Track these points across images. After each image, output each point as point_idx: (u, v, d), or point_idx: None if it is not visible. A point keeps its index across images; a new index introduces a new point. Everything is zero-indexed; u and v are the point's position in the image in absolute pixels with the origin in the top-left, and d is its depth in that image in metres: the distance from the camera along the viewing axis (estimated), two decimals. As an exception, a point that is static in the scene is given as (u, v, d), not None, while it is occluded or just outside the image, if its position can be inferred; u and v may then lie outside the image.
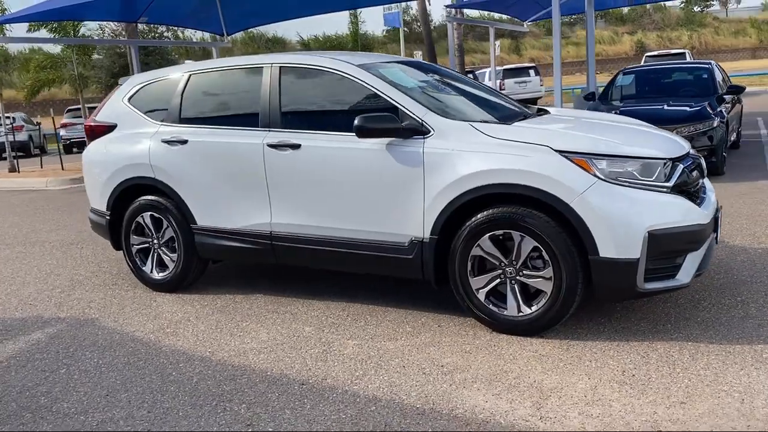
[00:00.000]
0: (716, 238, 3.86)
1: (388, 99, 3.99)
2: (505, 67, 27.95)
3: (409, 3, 29.67)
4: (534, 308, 3.63)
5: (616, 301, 3.93)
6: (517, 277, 3.65)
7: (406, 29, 42.72)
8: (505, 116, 4.26)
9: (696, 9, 63.99)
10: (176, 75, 4.96)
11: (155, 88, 5.04)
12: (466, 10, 15.53)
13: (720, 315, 3.81)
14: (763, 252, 4.93)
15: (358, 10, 38.23)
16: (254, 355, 3.71)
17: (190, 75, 4.86)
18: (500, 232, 3.63)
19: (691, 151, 4.03)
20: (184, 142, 4.66)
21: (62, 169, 14.91)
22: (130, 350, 3.91)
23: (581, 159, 3.48)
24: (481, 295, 3.75)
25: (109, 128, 5.14)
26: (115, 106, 5.19)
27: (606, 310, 3.97)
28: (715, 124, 8.18)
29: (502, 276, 3.69)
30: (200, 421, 3.00)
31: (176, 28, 29.05)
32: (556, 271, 3.50)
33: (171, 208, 4.77)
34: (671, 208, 3.48)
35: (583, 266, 3.48)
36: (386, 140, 3.91)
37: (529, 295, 3.68)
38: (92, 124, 5.27)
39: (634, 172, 3.50)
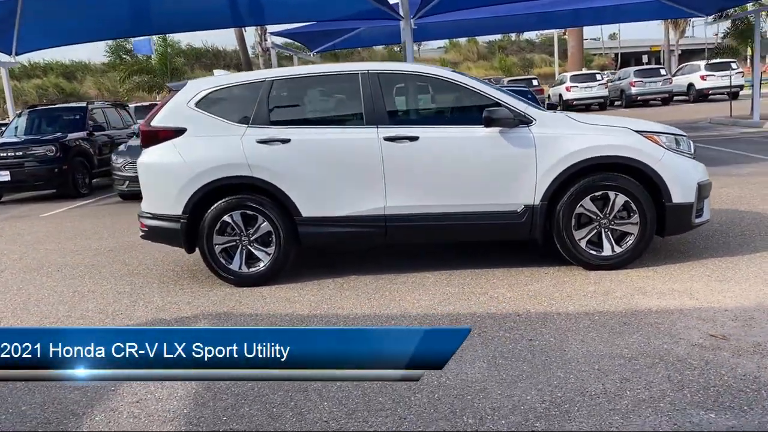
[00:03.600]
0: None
1: (490, 97, 5.01)
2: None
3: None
4: (624, 247, 4.95)
5: (678, 233, 5.31)
6: (611, 226, 4.94)
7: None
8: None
9: (396, 49, 72.96)
10: (253, 81, 5.27)
11: (229, 94, 5.27)
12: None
13: (712, 244, 5.56)
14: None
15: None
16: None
17: (273, 81, 5.22)
18: (599, 193, 4.89)
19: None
20: (286, 141, 5.03)
21: None
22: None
23: (651, 135, 4.95)
24: (582, 243, 4.96)
25: (176, 132, 5.18)
26: (179, 110, 5.23)
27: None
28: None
29: (598, 227, 4.95)
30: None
31: None
32: (642, 217, 4.88)
33: (269, 203, 5.06)
34: (700, 168, 5.12)
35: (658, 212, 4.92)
36: (497, 129, 4.91)
37: (615, 239, 4.99)
38: (153, 128, 5.22)
39: (674, 145, 5.06)
